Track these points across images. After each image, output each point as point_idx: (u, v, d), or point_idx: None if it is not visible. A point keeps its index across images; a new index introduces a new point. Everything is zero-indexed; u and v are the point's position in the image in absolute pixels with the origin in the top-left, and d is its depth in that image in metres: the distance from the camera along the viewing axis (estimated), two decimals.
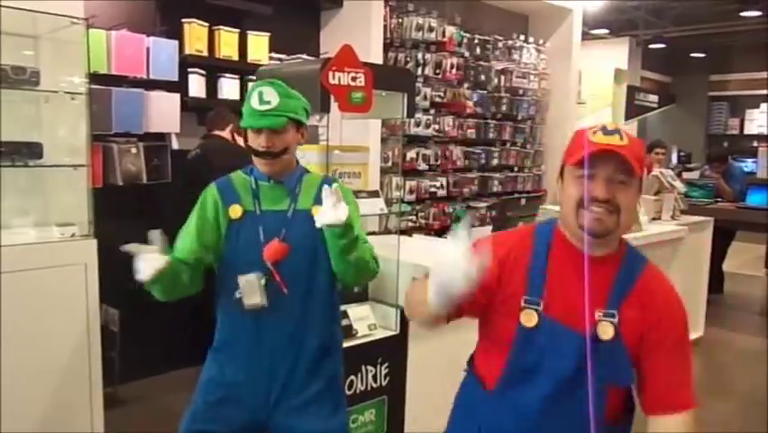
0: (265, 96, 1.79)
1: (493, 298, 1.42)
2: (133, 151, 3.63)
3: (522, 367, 1.41)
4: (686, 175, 6.90)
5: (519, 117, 6.27)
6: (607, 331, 1.34)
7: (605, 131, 1.32)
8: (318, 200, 1.82)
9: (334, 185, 1.74)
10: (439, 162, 5.41)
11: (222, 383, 1.87)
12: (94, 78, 3.07)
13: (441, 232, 5.20)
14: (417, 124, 5.14)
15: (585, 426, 1.31)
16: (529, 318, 1.38)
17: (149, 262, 1.64)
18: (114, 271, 3.01)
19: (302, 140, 1.92)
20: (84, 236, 2.79)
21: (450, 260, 1.21)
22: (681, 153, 10.46)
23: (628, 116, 9.76)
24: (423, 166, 5.26)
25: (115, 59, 3.52)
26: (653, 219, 4.47)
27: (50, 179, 2.95)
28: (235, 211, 1.84)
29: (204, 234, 1.85)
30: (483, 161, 5.90)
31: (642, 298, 1.37)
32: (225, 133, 3.78)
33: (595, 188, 1.30)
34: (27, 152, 2.69)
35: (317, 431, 1.86)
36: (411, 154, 5.15)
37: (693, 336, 4.82)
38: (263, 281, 1.79)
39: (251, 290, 1.78)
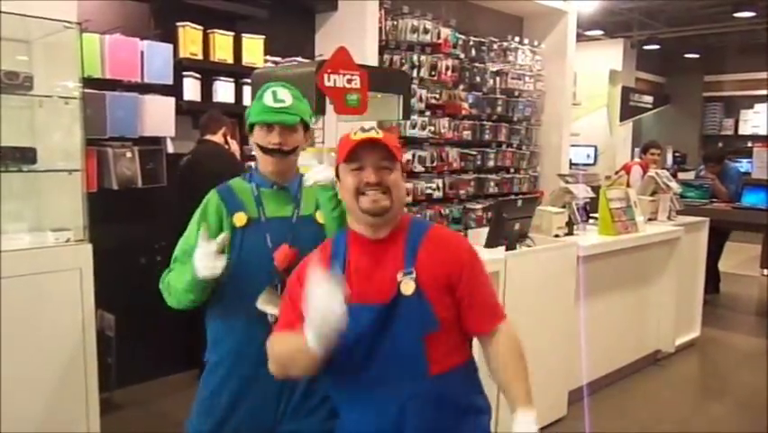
0: (279, 95, 1.81)
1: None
2: (128, 155, 3.62)
3: (343, 357, 1.50)
4: (681, 175, 6.92)
5: (515, 119, 6.28)
6: (409, 286, 1.52)
7: (363, 130, 1.56)
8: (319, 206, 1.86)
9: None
10: (435, 164, 5.41)
11: (229, 399, 1.83)
12: (88, 82, 3.07)
13: None
14: (413, 126, 5.14)
15: (411, 382, 1.51)
16: None
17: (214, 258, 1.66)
18: (110, 276, 3.02)
19: (306, 144, 1.93)
20: (79, 241, 2.77)
21: (323, 302, 1.34)
22: (677, 154, 10.49)
23: (623, 117, 9.81)
24: (419, 168, 5.26)
25: (110, 63, 3.50)
26: (649, 220, 4.47)
27: (45, 183, 2.94)
28: (240, 219, 1.81)
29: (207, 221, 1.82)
30: (479, 163, 5.90)
31: (430, 251, 1.57)
32: (218, 138, 3.78)
33: (366, 175, 1.53)
34: (21, 157, 2.68)
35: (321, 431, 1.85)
36: (407, 156, 5.15)
37: (690, 336, 4.83)
38: (279, 289, 1.76)
39: (271, 299, 1.76)
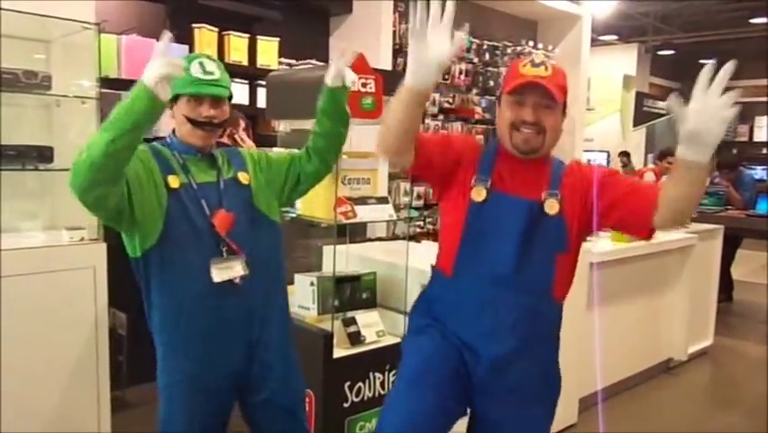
0: (207, 67, 1.78)
1: (450, 176, 1.65)
2: None
3: (475, 241, 1.61)
4: None
5: None
6: (553, 207, 1.59)
7: (533, 63, 1.58)
8: (238, 167, 1.88)
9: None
10: None
11: (196, 368, 1.84)
12: (104, 82, 3.09)
13: None
14: (425, 130, 5.13)
15: (536, 298, 1.62)
16: (479, 193, 1.61)
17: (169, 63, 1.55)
18: (122, 275, 3.03)
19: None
20: (93, 240, 2.79)
21: (430, 32, 1.40)
22: None
23: (637, 123, 9.73)
24: None
25: (125, 63, 3.52)
26: None
27: (60, 182, 2.95)
28: (174, 181, 1.76)
29: (129, 170, 1.67)
30: None
31: (571, 178, 1.65)
32: (223, 138, 3.75)
33: (524, 112, 1.56)
34: (38, 156, 2.70)
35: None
36: None
37: (703, 344, 4.79)
38: (225, 254, 1.77)
39: (224, 265, 1.77)
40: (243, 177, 1.88)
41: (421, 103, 1.50)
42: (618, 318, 3.90)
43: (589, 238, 3.79)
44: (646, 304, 4.18)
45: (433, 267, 1.79)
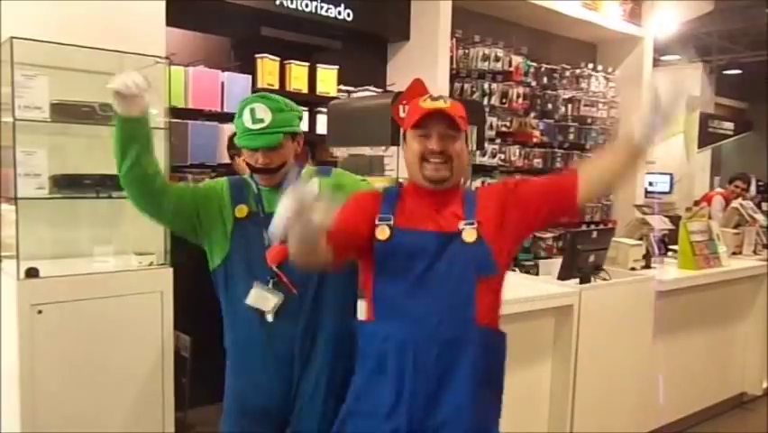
0: (257, 114, 1.79)
1: (358, 241, 1.62)
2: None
3: (386, 278, 1.61)
4: (766, 206, 6.56)
5: (587, 146, 6.14)
6: (471, 234, 1.60)
7: (431, 98, 1.64)
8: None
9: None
10: None
11: (242, 390, 1.89)
12: (172, 111, 3.21)
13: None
14: (483, 154, 5.11)
15: (459, 323, 1.58)
16: (382, 232, 1.61)
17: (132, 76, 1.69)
18: (187, 298, 3.11)
19: (299, 148, 1.91)
20: (161, 265, 2.89)
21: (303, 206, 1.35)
22: (760, 183, 9.97)
23: (701, 144, 9.41)
24: None
25: (192, 93, 3.67)
26: (733, 254, 4.25)
27: (130, 209, 3.06)
28: (241, 211, 1.85)
29: (197, 198, 1.86)
30: None
31: (485, 201, 1.67)
32: (234, 163, 3.65)
33: (430, 142, 1.60)
34: (111, 185, 2.81)
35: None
36: (476, 184, 5.11)
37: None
38: (271, 285, 1.79)
39: (262, 295, 1.79)
40: None
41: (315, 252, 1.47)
42: (686, 349, 3.74)
43: (654, 265, 3.71)
44: (716, 335, 3.99)
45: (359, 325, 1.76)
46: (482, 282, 1.60)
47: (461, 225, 1.61)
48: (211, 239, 1.87)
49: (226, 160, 3.80)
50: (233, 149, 3.68)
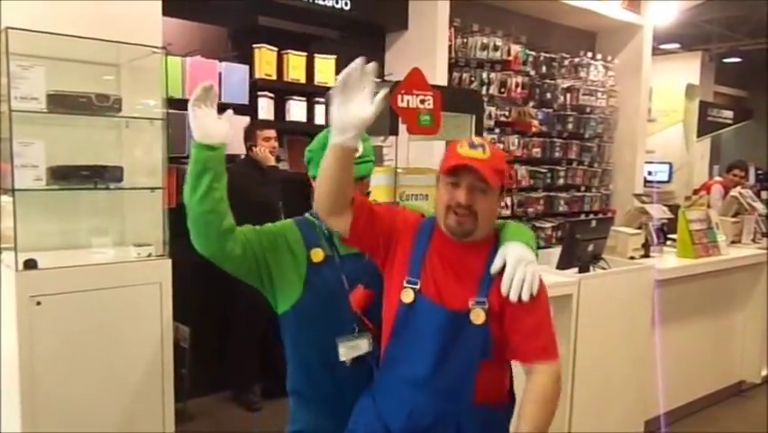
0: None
1: (383, 249, 1.65)
2: None
3: (399, 342, 1.61)
4: (766, 195, 6.57)
5: (586, 136, 6.13)
6: (479, 316, 1.55)
7: (471, 145, 1.57)
8: None
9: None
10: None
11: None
12: (170, 102, 3.20)
13: None
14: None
15: (456, 405, 1.57)
16: (407, 295, 1.60)
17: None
18: (186, 289, 3.12)
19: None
20: (159, 256, 2.88)
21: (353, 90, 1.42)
22: (759, 172, 9.96)
23: (701, 133, 9.39)
24: None
25: (190, 83, 3.64)
26: (732, 243, 4.26)
27: (129, 200, 3.07)
28: (317, 255, 1.75)
29: (263, 241, 1.73)
30: (549, 181, 5.79)
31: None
32: (253, 153, 3.72)
33: (458, 194, 1.55)
34: (109, 176, 2.81)
35: None
36: None
37: None
38: (356, 331, 1.74)
39: (351, 345, 1.74)
40: None
41: (349, 159, 1.52)
42: (685, 338, 3.75)
43: (653, 254, 3.71)
44: (715, 323, 4.00)
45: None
46: (485, 364, 1.58)
47: (471, 303, 1.56)
48: (279, 283, 1.77)
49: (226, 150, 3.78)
50: (250, 140, 3.72)
